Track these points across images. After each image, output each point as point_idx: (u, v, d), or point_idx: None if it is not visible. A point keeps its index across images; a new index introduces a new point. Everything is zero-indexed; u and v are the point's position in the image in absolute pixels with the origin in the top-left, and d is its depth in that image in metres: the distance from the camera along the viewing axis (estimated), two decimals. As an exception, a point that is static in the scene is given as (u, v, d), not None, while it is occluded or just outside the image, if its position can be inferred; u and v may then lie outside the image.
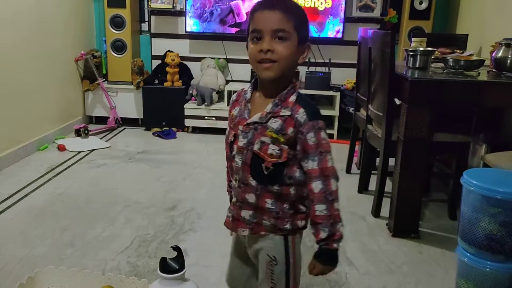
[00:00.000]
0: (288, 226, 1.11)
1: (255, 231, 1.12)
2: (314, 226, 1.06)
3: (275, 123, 1.06)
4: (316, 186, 1.03)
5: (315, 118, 1.04)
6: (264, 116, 1.07)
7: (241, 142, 1.10)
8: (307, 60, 1.11)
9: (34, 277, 0.98)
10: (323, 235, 1.04)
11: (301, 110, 1.05)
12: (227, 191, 1.28)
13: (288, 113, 1.05)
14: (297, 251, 1.17)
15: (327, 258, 1.08)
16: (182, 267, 0.86)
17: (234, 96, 1.21)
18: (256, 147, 1.07)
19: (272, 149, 1.06)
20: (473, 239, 1.52)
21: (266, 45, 1.03)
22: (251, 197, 1.11)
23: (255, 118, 1.08)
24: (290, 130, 1.05)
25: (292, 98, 1.07)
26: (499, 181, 1.52)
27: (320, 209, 1.03)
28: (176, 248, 0.89)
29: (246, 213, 1.13)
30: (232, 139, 1.14)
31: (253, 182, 1.10)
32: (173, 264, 0.86)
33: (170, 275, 0.86)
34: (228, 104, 4.00)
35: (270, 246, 1.13)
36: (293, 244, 1.14)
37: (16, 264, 1.87)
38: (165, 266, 0.85)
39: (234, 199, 1.16)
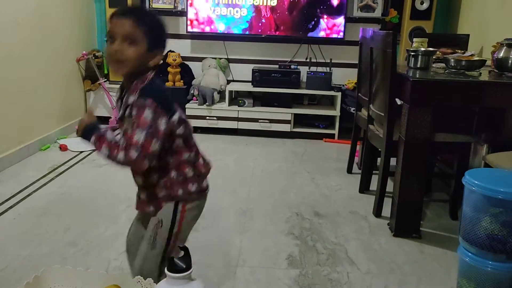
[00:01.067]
0: (180, 192, 1.22)
1: (158, 206, 1.24)
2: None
3: (128, 111, 1.18)
4: (121, 139, 1.16)
5: (142, 97, 1.14)
6: (123, 108, 1.21)
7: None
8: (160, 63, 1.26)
9: (41, 276, 0.99)
10: (95, 137, 1.19)
11: (138, 92, 1.16)
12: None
13: (133, 99, 1.17)
14: (187, 218, 1.25)
15: (83, 132, 1.23)
16: (189, 266, 0.87)
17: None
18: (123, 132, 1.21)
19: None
20: (474, 239, 1.53)
21: (116, 46, 1.16)
22: (138, 180, 1.26)
23: (122, 110, 1.23)
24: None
25: (141, 86, 1.17)
26: (500, 181, 1.53)
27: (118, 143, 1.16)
28: (184, 248, 0.91)
29: (143, 195, 1.26)
30: None
31: None
32: (181, 264, 0.87)
33: (177, 275, 0.87)
34: (229, 105, 4.05)
35: (162, 209, 1.25)
36: (182, 212, 1.24)
37: (19, 264, 1.89)
38: (172, 266, 0.87)
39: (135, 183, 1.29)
